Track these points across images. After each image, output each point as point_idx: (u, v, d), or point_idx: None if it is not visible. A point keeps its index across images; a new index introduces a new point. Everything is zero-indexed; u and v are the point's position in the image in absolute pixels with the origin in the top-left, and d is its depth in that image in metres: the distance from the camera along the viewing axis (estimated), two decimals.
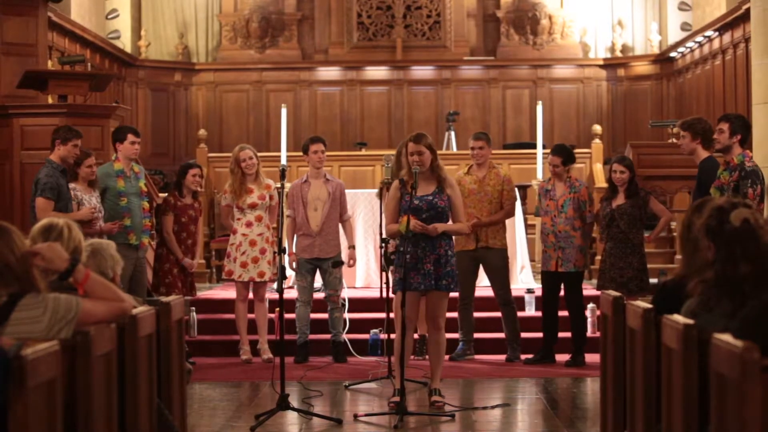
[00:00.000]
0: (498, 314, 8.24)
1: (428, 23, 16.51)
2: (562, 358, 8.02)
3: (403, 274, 6.20)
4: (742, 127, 6.69)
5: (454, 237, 6.66)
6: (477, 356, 8.20)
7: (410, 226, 6.20)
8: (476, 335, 8.24)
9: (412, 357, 7.38)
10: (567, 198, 7.99)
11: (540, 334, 8.24)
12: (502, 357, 8.15)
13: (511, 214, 8.24)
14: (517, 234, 9.75)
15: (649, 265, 7.98)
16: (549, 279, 8.05)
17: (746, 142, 6.76)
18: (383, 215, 6.76)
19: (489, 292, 8.38)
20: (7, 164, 8.78)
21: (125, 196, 7.76)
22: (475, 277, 8.16)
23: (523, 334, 8.21)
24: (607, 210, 7.86)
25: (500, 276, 8.13)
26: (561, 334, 8.07)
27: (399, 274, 6.32)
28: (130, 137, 7.81)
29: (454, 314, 8.16)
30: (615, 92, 16.41)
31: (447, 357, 7.82)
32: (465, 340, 8.17)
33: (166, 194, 8.64)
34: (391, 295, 6.71)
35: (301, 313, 8.19)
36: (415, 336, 7.91)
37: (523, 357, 8.09)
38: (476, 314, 8.22)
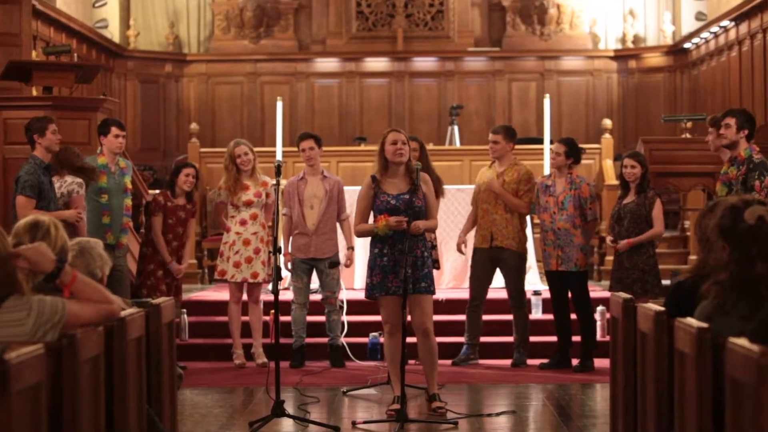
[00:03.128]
0: (504, 317, 8.19)
1: (430, 12, 16.46)
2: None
3: (405, 277, 6.11)
4: (748, 122, 6.79)
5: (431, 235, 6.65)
6: (481, 361, 8.12)
7: (391, 223, 6.17)
8: (481, 339, 8.14)
9: (412, 362, 7.30)
10: (567, 194, 7.90)
11: (548, 338, 8.17)
12: (508, 362, 8.05)
13: (522, 208, 8.05)
14: None
15: (661, 266, 7.85)
16: (553, 279, 7.97)
17: (753, 137, 6.85)
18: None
19: (494, 295, 8.27)
20: None
21: (106, 192, 7.72)
22: (489, 280, 8.09)
23: (530, 338, 8.12)
24: (616, 208, 7.80)
25: (515, 278, 8.03)
26: (573, 338, 7.98)
27: (376, 278, 6.34)
28: (114, 130, 7.80)
29: (462, 317, 8.10)
30: (626, 85, 16.33)
31: (450, 362, 7.91)
32: (470, 344, 8.07)
33: (157, 192, 8.60)
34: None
35: (297, 316, 8.10)
36: (414, 339, 7.78)
37: (531, 362, 7.99)
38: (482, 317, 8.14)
